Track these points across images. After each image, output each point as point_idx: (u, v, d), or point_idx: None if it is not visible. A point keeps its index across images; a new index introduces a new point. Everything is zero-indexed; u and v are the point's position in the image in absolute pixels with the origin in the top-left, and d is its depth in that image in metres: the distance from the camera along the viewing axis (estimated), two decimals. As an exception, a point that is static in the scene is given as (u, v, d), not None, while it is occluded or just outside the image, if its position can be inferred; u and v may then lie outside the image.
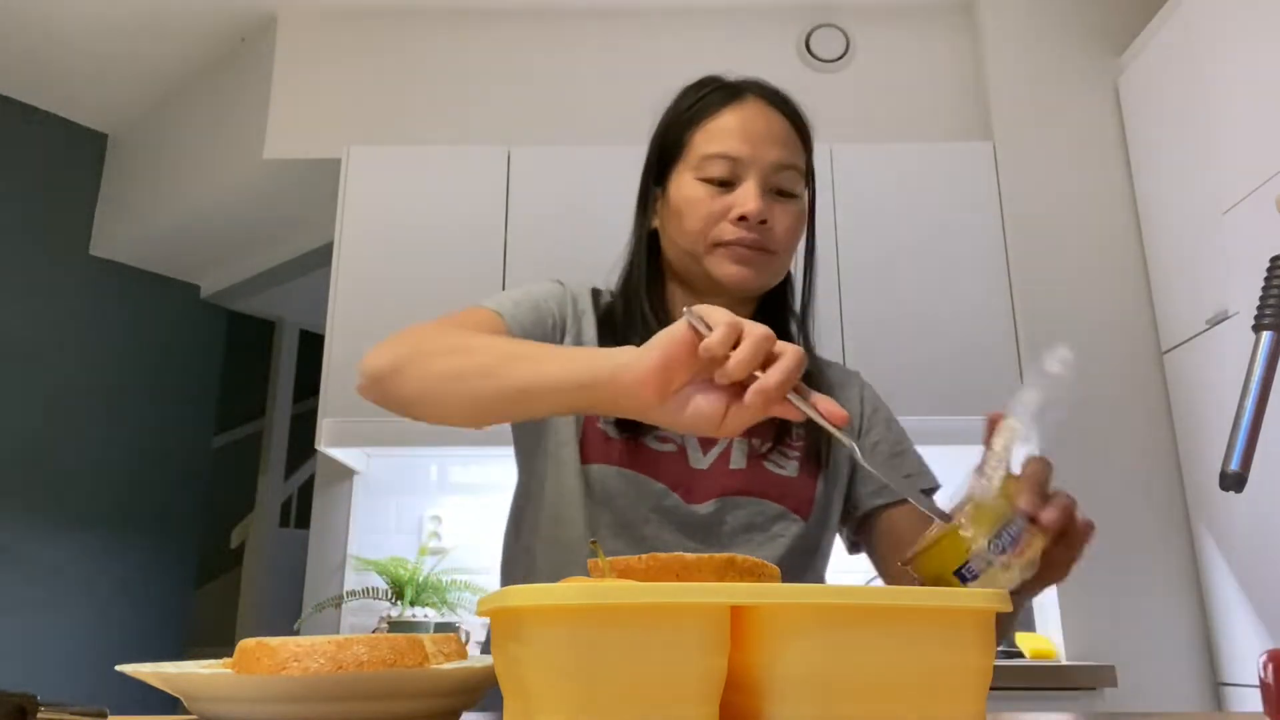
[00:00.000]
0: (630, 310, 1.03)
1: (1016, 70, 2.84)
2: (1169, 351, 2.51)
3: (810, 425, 0.88)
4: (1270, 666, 0.64)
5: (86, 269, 3.68)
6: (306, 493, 4.75)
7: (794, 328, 1.08)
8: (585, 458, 0.97)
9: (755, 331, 0.62)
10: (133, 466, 3.70)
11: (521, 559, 1.03)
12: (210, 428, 4.09)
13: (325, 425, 2.52)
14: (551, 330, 1.01)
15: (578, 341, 1.02)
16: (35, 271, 3.55)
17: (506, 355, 0.79)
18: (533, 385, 0.74)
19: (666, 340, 0.65)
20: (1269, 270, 0.77)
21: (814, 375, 1.06)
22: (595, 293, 1.09)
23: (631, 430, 0.97)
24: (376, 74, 3.08)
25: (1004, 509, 0.65)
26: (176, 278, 3.94)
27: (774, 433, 1.01)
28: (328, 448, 2.55)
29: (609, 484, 0.96)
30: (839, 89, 3.00)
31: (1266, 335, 0.76)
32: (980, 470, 0.67)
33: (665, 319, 1.02)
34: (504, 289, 2.72)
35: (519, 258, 2.62)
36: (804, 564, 1.02)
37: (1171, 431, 2.50)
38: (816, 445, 1.02)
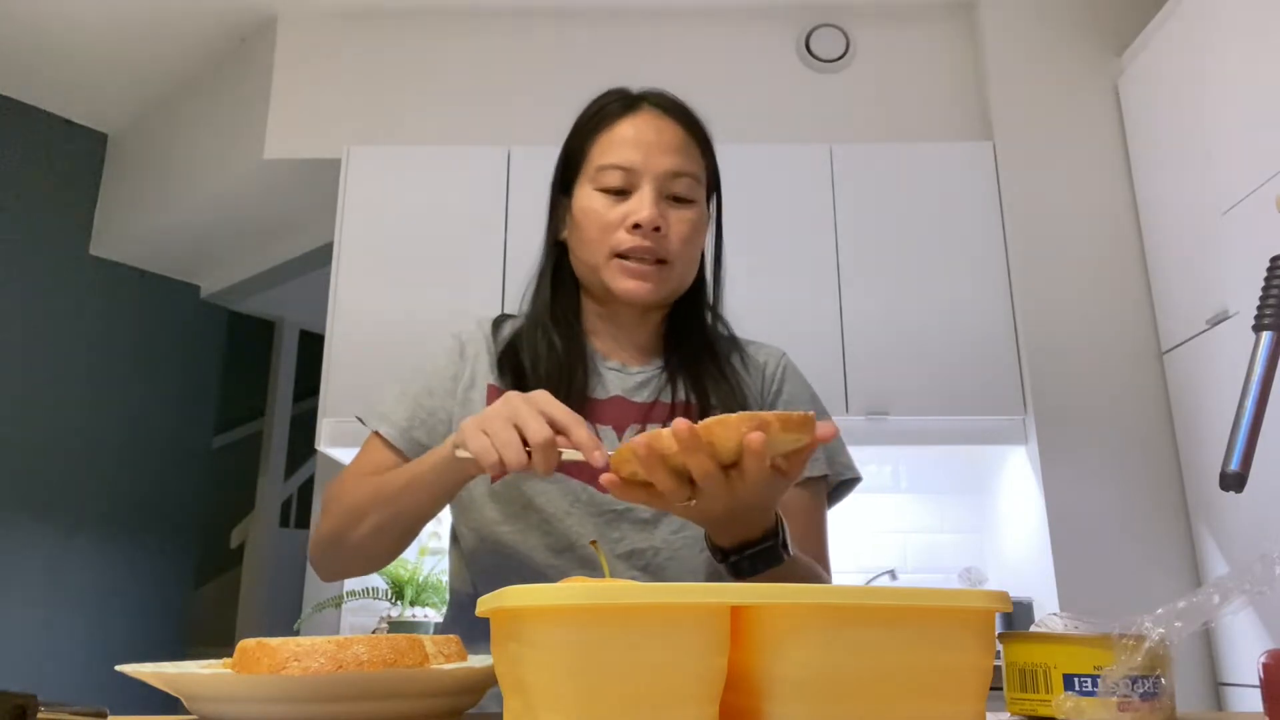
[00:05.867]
0: (535, 329, 1.05)
1: (1016, 70, 2.84)
2: (1169, 351, 2.51)
3: (729, 404, 1.01)
4: (1270, 666, 0.64)
5: (86, 269, 3.68)
6: (306, 493, 4.75)
7: (712, 323, 1.11)
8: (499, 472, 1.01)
9: (506, 444, 0.76)
10: (133, 466, 3.70)
11: (464, 577, 1.05)
12: (210, 428, 4.09)
13: (325, 425, 2.52)
14: (437, 401, 1.04)
15: (470, 387, 1.05)
16: (35, 271, 3.55)
17: (385, 498, 0.92)
18: (415, 504, 0.91)
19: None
20: (1269, 270, 0.77)
21: (731, 357, 1.09)
22: (498, 324, 1.11)
23: None
24: (376, 74, 3.08)
25: (1154, 668, 0.62)
26: (176, 278, 3.94)
27: (695, 415, 1.02)
28: (328, 448, 2.55)
29: (526, 488, 0.99)
30: (839, 89, 3.00)
31: (1266, 335, 0.76)
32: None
33: (574, 334, 1.05)
34: (503, 289, 2.71)
35: (519, 258, 2.62)
36: None
37: (1171, 431, 2.50)
38: None
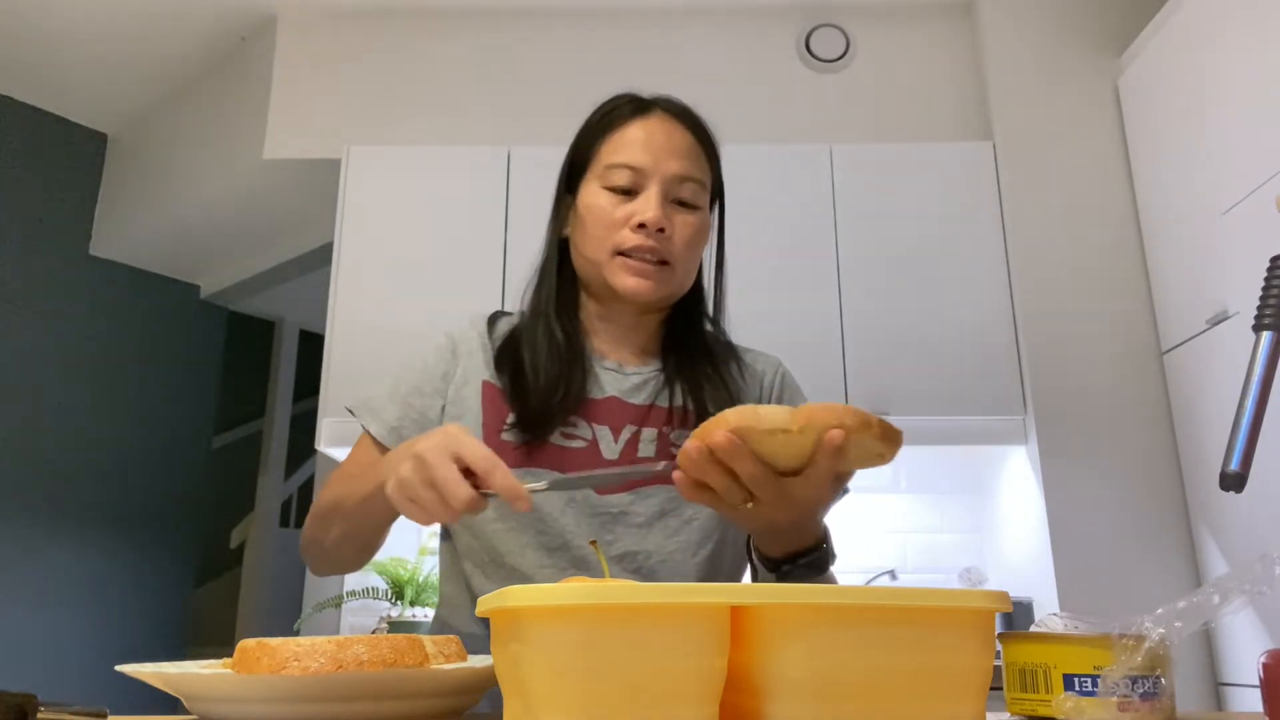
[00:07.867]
0: (536, 324, 1.05)
1: (1016, 70, 2.84)
2: (1169, 351, 2.51)
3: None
4: (1270, 666, 0.63)
5: (86, 269, 3.68)
6: (306, 493, 4.75)
7: (709, 327, 1.11)
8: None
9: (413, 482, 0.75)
10: (133, 466, 3.70)
11: (456, 575, 1.05)
12: (210, 428, 4.09)
13: (325, 425, 2.52)
14: (426, 401, 1.05)
15: (463, 385, 1.05)
16: (35, 271, 3.55)
17: (346, 512, 0.94)
18: (367, 522, 0.93)
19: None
20: (1269, 270, 0.77)
21: (729, 364, 1.09)
22: (492, 321, 1.10)
23: (534, 431, 0.99)
24: (376, 74, 3.08)
25: (1154, 668, 0.62)
26: (176, 278, 3.94)
27: (693, 420, 1.02)
28: (328, 448, 2.55)
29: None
30: (839, 89, 3.00)
31: (1266, 335, 0.76)
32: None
33: (574, 331, 1.05)
34: (503, 289, 2.71)
35: (519, 258, 2.62)
36: (718, 550, 1.02)
37: (1171, 431, 2.50)
38: None
